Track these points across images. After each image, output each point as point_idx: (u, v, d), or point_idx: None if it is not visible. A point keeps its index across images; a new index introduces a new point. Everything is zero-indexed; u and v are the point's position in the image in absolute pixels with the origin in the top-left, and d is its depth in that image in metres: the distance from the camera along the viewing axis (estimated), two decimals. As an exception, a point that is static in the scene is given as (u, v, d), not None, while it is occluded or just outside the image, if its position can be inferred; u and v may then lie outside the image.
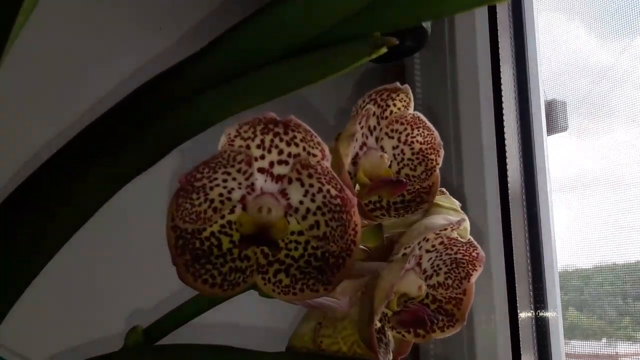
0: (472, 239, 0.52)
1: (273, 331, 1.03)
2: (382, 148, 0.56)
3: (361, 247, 0.53)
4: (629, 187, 1.07)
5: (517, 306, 1.09)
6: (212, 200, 0.46)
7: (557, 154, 1.17)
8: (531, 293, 1.10)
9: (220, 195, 0.46)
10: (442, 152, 0.56)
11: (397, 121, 0.56)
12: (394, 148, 0.56)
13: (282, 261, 0.47)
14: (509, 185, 1.11)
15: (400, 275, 0.46)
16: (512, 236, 1.09)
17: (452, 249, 0.52)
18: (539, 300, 1.11)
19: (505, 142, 1.12)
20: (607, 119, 1.13)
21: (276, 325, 0.99)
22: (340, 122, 1.25)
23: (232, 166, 0.45)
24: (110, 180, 0.45)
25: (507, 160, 1.12)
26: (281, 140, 0.45)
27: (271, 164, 0.46)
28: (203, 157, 0.44)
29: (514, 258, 1.08)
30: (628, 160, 1.09)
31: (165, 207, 0.45)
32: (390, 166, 0.55)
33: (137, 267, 1.03)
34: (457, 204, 0.57)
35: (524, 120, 1.16)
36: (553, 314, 1.10)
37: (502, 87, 1.16)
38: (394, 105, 0.55)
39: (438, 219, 0.50)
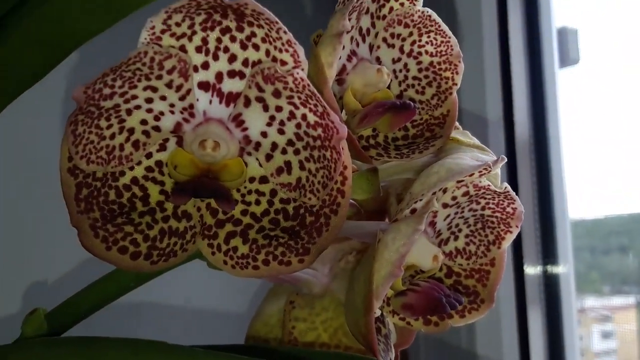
0: (508, 187, 0.39)
1: (231, 312, 0.90)
2: (378, 60, 0.43)
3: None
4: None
5: (522, 260, 1.02)
6: (131, 130, 0.34)
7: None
8: (540, 248, 1.02)
9: (144, 122, 0.34)
10: (461, 68, 0.43)
11: (399, 22, 0.43)
12: (394, 61, 0.43)
13: (237, 220, 0.35)
14: (515, 126, 1.02)
15: (413, 242, 0.33)
16: (518, 181, 1.00)
17: (478, 203, 0.40)
18: (548, 254, 1.04)
19: (512, 77, 1.02)
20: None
21: (234, 305, 0.86)
22: (320, 14, 1.09)
23: (159, 78, 0.32)
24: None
25: (514, 97, 1.02)
26: (233, 39, 0.33)
27: (219, 76, 0.33)
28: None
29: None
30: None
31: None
32: (389, 87, 0.42)
33: (34, 224, 0.85)
34: (476, 140, 0.44)
35: (533, 51, 1.05)
36: (563, 268, 1.04)
37: (509, 13, 1.05)
38: (396, -3, 0.42)
39: (465, 159, 0.37)
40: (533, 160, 1.03)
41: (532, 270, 1.03)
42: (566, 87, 1.07)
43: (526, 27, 1.06)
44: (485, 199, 0.40)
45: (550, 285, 1.03)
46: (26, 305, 0.43)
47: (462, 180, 0.38)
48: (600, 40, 1.12)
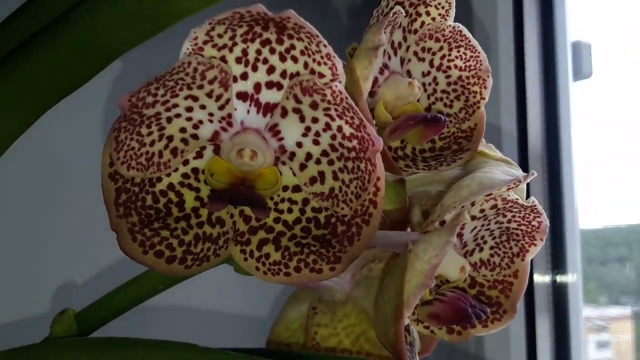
0: (535, 201, 0.39)
1: (253, 316, 0.90)
2: (408, 73, 0.43)
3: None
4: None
5: (532, 268, 0.99)
6: (170, 138, 0.34)
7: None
8: (549, 257, 1.02)
9: (183, 130, 0.34)
10: (489, 83, 0.43)
11: (430, 37, 0.43)
12: (424, 75, 0.44)
13: (270, 228, 0.36)
14: (528, 138, 1.02)
15: (445, 253, 0.33)
16: (530, 192, 0.98)
17: (504, 215, 0.40)
18: (557, 263, 1.05)
19: (526, 88, 1.01)
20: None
21: (256, 309, 0.86)
22: (355, 25, 1.09)
23: (201, 87, 0.33)
24: (14, 106, 0.32)
25: (528, 109, 1.03)
26: (273, 51, 0.33)
27: (257, 86, 0.34)
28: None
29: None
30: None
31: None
32: (418, 100, 0.42)
33: (67, 226, 0.85)
34: (501, 154, 0.44)
35: (547, 64, 1.05)
36: (572, 277, 1.05)
37: (524, 27, 1.05)
38: (427, 13, 0.43)
39: (495, 174, 0.38)
40: (545, 171, 1.03)
41: (541, 279, 1.04)
42: (579, 99, 1.08)
43: (541, 41, 1.06)
44: (512, 212, 0.40)
45: (559, 294, 1.04)
46: (55, 306, 0.43)
47: (491, 194, 0.38)
48: (613, 55, 1.12)
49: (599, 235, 1.12)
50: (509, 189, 0.38)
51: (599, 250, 1.12)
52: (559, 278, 1.04)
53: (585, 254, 1.08)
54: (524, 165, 1.01)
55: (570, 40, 1.09)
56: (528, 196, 0.94)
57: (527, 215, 0.40)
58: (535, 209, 0.40)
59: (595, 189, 1.07)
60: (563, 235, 1.03)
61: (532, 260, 0.99)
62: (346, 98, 0.32)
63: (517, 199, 0.39)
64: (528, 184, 0.99)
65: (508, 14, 1.05)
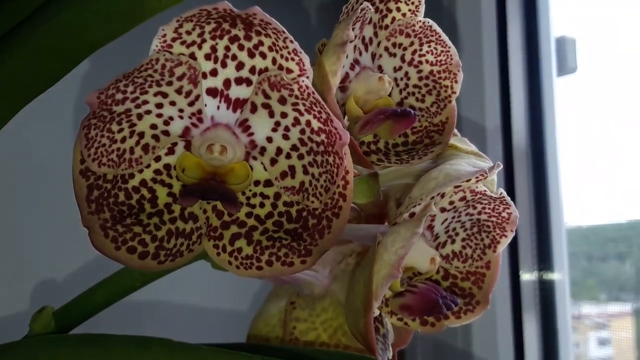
0: (504, 193, 0.40)
1: (232, 311, 0.90)
2: (379, 68, 0.44)
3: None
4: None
5: (518, 266, 1.02)
6: (141, 134, 0.35)
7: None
8: (535, 252, 1.02)
9: (153, 126, 0.35)
10: (460, 77, 0.44)
11: (401, 32, 0.44)
12: (395, 70, 0.44)
13: (242, 222, 0.36)
14: (513, 134, 1.02)
15: (412, 245, 0.34)
16: (515, 188, 1.00)
17: (474, 207, 0.41)
18: (544, 260, 1.04)
19: (510, 84, 1.02)
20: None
21: (235, 304, 0.86)
22: (324, 24, 1.10)
23: (170, 84, 0.33)
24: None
25: (512, 105, 1.03)
26: (241, 47, 0.34)
27: (227, 82, 0.35)
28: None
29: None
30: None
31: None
32: (390, 94, 0.43)
33: (44, 224, 0.85)
34: (474, 147, 0.45)
35: (531, 59, 1.05)
36: (559, 275, 1.04)
37: (508, 22, 1.05)
38: (398, 9, 0.43)
39: (462, 166, 0.38)
40: (530, 167, 1.04)
41: (527, 276, 1.04)
42: (564, 95, 1.08)
43: (525, 36, 1.06)
44: (481, 203, 0.41)
45: (546, 291, 1.04)
46: (34, 304, 0.43)
47: (459, 186, 0.39)
48: (598, 49, 1.12)
49: (598, 232, 1.11)
50: (477, 181, 0.39)
51: (598, 247, 1.11)
52: (545, 275, 1.04)
53: (584, 251, 1.08)
54: (509, 162, 1.01)
55: (555, 35, 1.09)
56: (513, 193, 0.95)
57: (496, 207, 0.41)
58: (504, 200, 0.40)
59: (591, 185, 1.07)
60: (549, 232, 1.03)
61: (518, 258, 1.00)
62: (313, 93, 0.33)
63: (485, 190, 0.40)
64: (512, 181, 1.00)
65: (491, 9, 1.05)
